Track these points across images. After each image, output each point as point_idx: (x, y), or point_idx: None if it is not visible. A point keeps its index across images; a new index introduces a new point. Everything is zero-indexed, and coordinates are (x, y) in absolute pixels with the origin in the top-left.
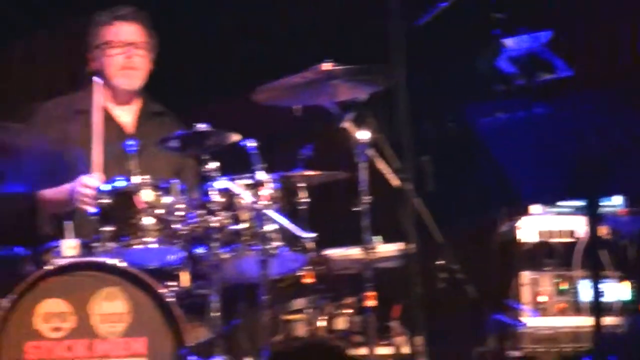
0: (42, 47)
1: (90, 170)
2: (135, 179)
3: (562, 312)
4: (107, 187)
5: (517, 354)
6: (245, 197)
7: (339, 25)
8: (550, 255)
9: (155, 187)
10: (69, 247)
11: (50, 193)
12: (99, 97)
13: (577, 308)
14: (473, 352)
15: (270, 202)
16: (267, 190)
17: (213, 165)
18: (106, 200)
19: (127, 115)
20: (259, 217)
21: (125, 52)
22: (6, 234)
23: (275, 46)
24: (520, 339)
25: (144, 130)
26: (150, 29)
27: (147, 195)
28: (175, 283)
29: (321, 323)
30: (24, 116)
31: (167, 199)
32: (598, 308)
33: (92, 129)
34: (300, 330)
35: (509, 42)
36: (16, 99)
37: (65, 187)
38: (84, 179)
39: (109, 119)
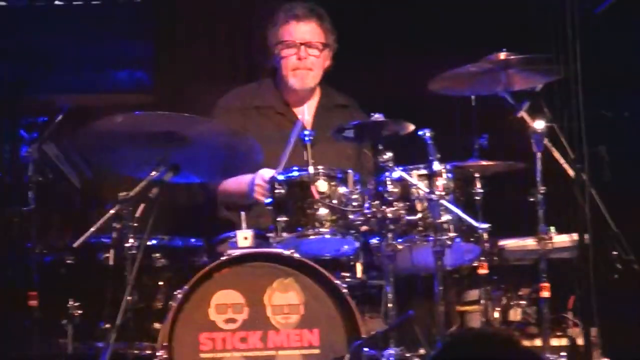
0: (223, 40)
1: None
2: (311, 169)
3: None
4: (282, 177)
5: None
6: (421, 188)
7: (514, 13)
8: None
9: (331, 177)
10: (244, 238)
11: (230, 183)
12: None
13: None
14: None
15: (445, 193)
16: (442, 181)
17: (388, 155)
18: (281, 191)
19: (306, 112)
20: (434, 208)
21: (298, 53)
22: (182, 225)
23: (449, 35)
24: None
25: (322, 123)
26: (328, 26)
27: (322, 185)
28: (349, 274)
29: (495, 314)
30: (202, 108)
31: (342, 189)
32: None
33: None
34: (475, 322)
35: None
36: (196, 92)
37: (246, 179)
38: (265, 172)
39: (290, 116)
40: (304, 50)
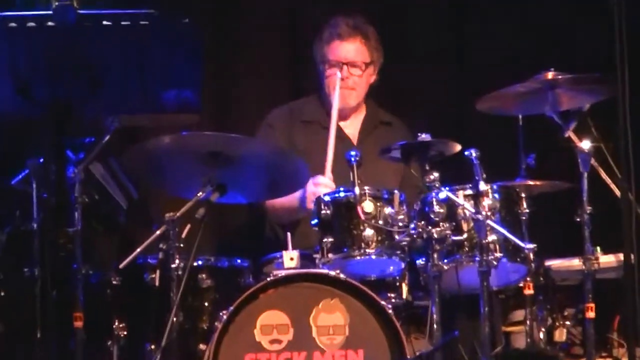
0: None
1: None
2: (357, 190)
3: None
4: (328, 197)
5: None
6: (467, 208)
7: (562, 32)
8: None
9: (377, 198)
10: (290, 259)
11: (279, 201)
12: (335, 117)
13: None
14: None
15: (491, 213)
16: (489, 201)
17: (435, 175)
18: (327, 211)
19: (352, 127)
20: (480, 228)
21: (341, 72)
22: (228, 245)
23: (497, 54)
24: None
25: (368, 141)
26: (373, 43)
27: (368, 206)
28: (394, 294)
29: (541, 334)
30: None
31: (388, 210)
32: None
33: (329, 139)
34: (520, 342)
35: None
36: (243, 111)
37: (295, 194)
38: (318, 177)
39: (336, 131)
40: (347, 70)
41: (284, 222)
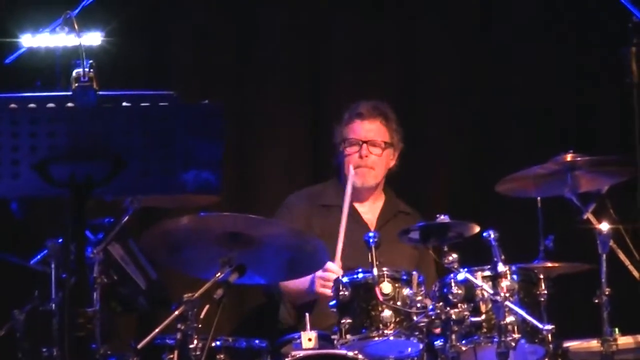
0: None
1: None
2: (375, 271)
3: None
4: (347, 279)
5: None
6: (485, 289)
7: (581, 114)
8: None
9: (395, 279)
10: (308, 339)
11: (293, 283)
12: (349, 194)
13: None
14: None
15: (509, 294)
16: (507, 282)
17: (453, 257)
18: (345, 293)
19: (370, 213)
20: (499, 309)
21: (360, 151)
22: (246, 326)
23: (514, 137)
24: None
25: (386, 227)
26: (393, 125)
27: (386, 287)
28: None
29: None
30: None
31: (406, 291)
32: None
33: (341, 222)
34: None
35: None
36: (260, 191)
37: (307, 277)
38: (328, 264)
39: (354, 215)
40: (366, 149)
41: (296, 303)
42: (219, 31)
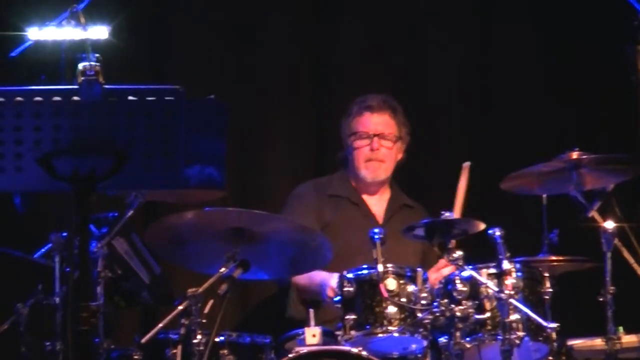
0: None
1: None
2: (380, 268)
3: None
4: (351, 275)
5: None
6: (490, 287)
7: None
8: None
9: (400, 276)
10: (312, 336)
11: (303, 280)
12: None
13: None
14: None
15: (514, 292)
16: (512, 280)
17: (458, 254)
18: (350, 289)
19: (378, 206)
20: (503, 307)
21: (371, 144)
22: (250, 322)
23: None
24: None
25: (392, 221)
26: (401, 118)
27: (391, 283)
28: None
29: None
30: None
31: (411, 288)
32: None
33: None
34: None
35: None
36: (265, 186)
37: (317, 280)
38: (333, 286)
39: (363, 208)
40: (377, 142)
41: (307, 298)
42: (223, 23)
